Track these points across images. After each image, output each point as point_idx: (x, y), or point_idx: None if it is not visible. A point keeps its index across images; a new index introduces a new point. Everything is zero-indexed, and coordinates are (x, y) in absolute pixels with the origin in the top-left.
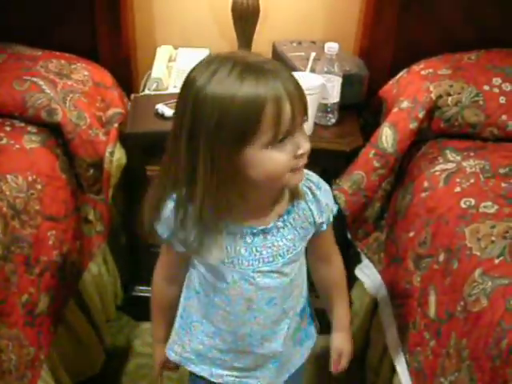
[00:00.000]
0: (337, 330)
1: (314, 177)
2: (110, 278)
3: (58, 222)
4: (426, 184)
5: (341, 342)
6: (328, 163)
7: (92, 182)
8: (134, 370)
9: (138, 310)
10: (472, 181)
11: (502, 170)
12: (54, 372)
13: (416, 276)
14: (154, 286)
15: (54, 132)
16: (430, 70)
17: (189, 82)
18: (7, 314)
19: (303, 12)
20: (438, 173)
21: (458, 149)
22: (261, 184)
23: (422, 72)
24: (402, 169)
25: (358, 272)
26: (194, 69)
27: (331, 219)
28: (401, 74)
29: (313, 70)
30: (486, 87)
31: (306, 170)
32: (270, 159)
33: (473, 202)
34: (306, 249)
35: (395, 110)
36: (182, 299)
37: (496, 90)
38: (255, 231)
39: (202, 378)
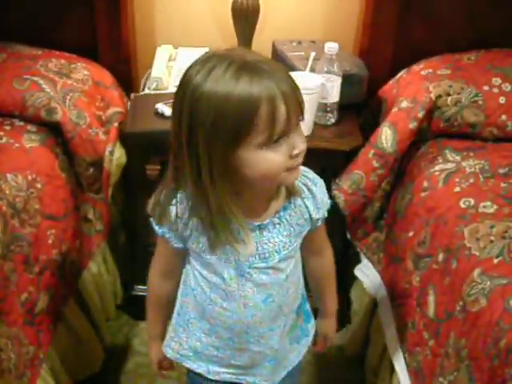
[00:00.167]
0: (324, 316)
1: (310, 173)
2: (109, 277)
3: (58, 221)
4: (425, 184)
5: (327, 327)
6: (327, 163)
7: (92, 181)
8: (134, 368)
9: (138, 309)
10: (471, 181)
11: (501, 170)
12: (54, 371)
13: (415, 276)
14: (150, 282)
15: (53, 131)
16: (430, 70)
17: (186, 80)
18: (7, 312)
19: (303, 12)
20: (437, 173)
21: (457, 149)
22: (257, 183)
23: (422, 72)
24: (402, 169)
25: (357, 272)
26: (191, 66)
27: (326, 214)
28: (400, 73)
29: (313, 70)
30: (486, 87)
31: (301, 167)
32: (265, 160)
33: (472, 201)
34: (300, 244)
35: (395, 109)
36: (179, 296)
37: (496, 90)
38: (251, 227)
39: (199, 375)
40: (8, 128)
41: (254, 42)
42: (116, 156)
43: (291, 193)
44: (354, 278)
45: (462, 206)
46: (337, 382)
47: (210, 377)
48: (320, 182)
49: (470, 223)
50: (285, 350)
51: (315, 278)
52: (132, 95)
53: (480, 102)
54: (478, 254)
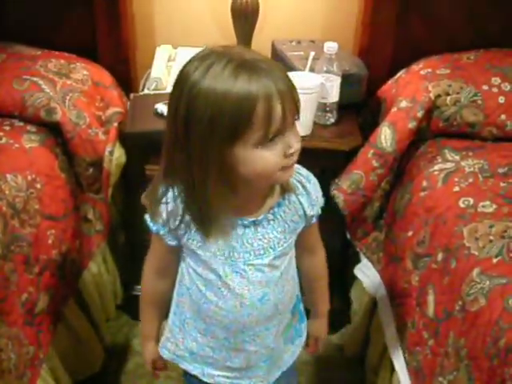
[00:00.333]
0: (316, 317)
1: (303, 170)
2: (109, 277)
3: (58, 222)
4: (424, 183)
5: (318, 328)
6: (327, 162)
7: (91, 181)
8: (134, 368)
9: (138, 309)
10: (471, 180)
11: (500, 170)
12: (54, 371)
13: (414, 275)
14: (145, 280)
15: (53, 131)
16: (429, 70)
17: (183, 76)
18: (7, 312)
19: (302, 11)
20: (436, 172)
21: (456, 148)
22: (252, 181)
23: (421, 72)
24: (401, 168)
25: (357, 271)
26: (188, 62)
27: (320, 212)
28: (400, 73)
29: (312, 70)
30: (485, 87)
31: (295, 165)
32: (260, 158)
33: (471, 201)
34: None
35: (394, 109)
36: (174, 295)
37: (495, 90)
38: (246, 223)
39: (195, 377)
40: (8, 128)
41: (253, 41)
42: (116, 156)
43: (285, 189)
44: (354, 277)
45: (461, 205)
46: (336, 382)
47: (204, 379)
48: (314, 179)
49: (469, 223)
50: (279, 350)
51: (308, 278)
52: (131, 95)
53: (479, 102)
54: (477, 253)
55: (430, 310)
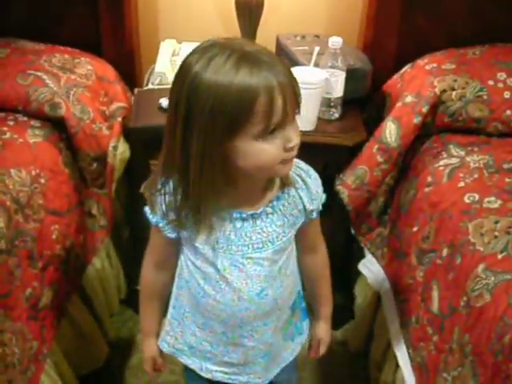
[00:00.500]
0: (319, 319)
1: (304, 165)
2: (113, 271)
3: (62, 217)
4: (429, 179)
5: (321, 331)
6: (331, 158)
7: (95, 176)
8: (138, 363)
9: None
10: (476, 176)
11: (506, 166)
12: (58, 366)
13: (419, 271)
14: (144, 273)
15: (57, 126)
16: (435, 65)
17: (185, 68)
18: (11, 307)
19: (307, 6)
20: (441, 168)
21: (461, 144)
22: (251, 174)
23: (427, 67)
24: (406, 163)
25: (361, 267)
26: (190, 54)
27: (320, 207)
28: (405, 68)
29: (316, 65)
30: (491, 82)
31: (295, 159)
32: (260, 151)
33: (476, 197)
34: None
35: (399, 104)
36: (174, 289)
37: (500, 85)
38: (244, 216)
39: (194, 371)
40: (12, 123)
41: (257, 36)
42: (120, 151)
43: (285, 183)
44: (358, 273)
45: (467, 201)
46: (340, 378)
47: (202, 374)
48: (314, 174)
49: (474, 218)
50: (278, 346)
51: (309, 277)
52: (136, 90)
53: (485, 97)
54: (482, 249)
55: (435, 305)
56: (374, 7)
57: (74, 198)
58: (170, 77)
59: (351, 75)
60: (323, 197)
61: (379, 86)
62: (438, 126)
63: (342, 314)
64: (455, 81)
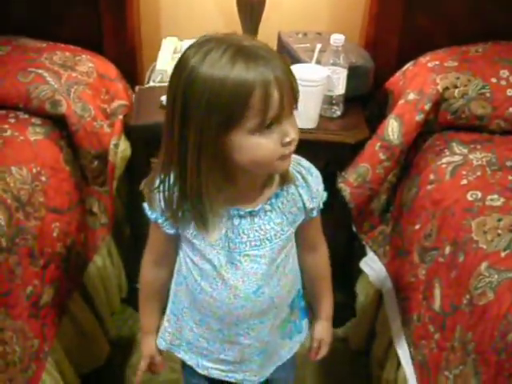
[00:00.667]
0: (319, 320)
1: (305, 162)
2: (114, 270)
3: (62, 214)
4: (432, 176)
5: (322, 332)
6: (333, 155)
7: (96, 173)
8: (139, 362)
9: None
10: (478, 173)
11: (508, 163)
12: (59, 364)
13: (421, 269)
14: (144, 270)
15: (58, 124)
16: (437, 62)
17: (182, 62)
18: (12, 305)
19: (309, 3)
20: (444, 165)
21: (464, 141)
22: (250, 170)
23: (429, 64)
24: (408, 161)
25: (363, 265)
26: (187, 49)
27: (321, 205)
28: (407, 66)
29: (318, 62)
30: (493, 79)
31: (296, 156)
32: (256, 145)
33: (479, 194)
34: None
35: (401, 101)
36: (173, 284)
37: (503, 83)
38: (242, 213)
39: (191, 367)
40: (13, 121)
41: (259, 33)
42: (121, 149)
43: (285, 180)
44: (360, 270)
45: (469, 198)
46: (342, 376)
47: (199, 370)
48: (315, 172)
49: (477, 216)
50: (275, 344)
51: (309, 277)
52: (137, 88)
53: (487, 95)
54: (485, 247)
55: (437, 303)
56: (376, 4)
57: (74, 196)
58: None
59: (353, 73)
60: (324, 195)
61: (381, 83)
62: (440, 123)
63: (344, 312)
64: (458, 78)
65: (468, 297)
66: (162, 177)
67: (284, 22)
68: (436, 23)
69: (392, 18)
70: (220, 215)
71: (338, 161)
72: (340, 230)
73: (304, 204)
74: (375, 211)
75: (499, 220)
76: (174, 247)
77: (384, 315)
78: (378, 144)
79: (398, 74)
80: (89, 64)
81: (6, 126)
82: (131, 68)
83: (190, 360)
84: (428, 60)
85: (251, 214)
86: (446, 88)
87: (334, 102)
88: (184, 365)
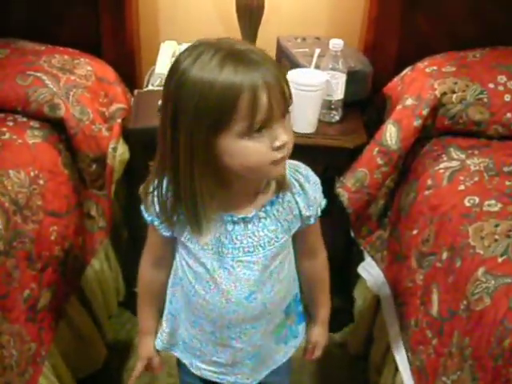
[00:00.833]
0: (315, 324)
1: (304, 169)
2: (112, 273)
3: (60, 218)
4: (429, 182)
5: (317, 335)
6: (331, 160)
7: (95, 177)
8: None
9: None
10: (476, 179)
11: (506, 169)
12: (56, 368)
13: (419, 274)
14: (141, 272)
15: (56, 127)
16: (435, 68)
17: (174, 65)
18: (9, 309)
19: (308, 8)
20: (441, 170)
21: (462, 147)
22: (242, 174)
23: (427, 69)
24: (406, 166)
25: (360, 270)
26: (181, 52)
27: (319, 213)
28: (405, 71)
29: (317, 67)
30: (491, 85)
31: (296, 162)
32: (246, 149)
33: (477, 200)
34: (294, 244)
35: (399, 107)
36: (170, 285)
37: (501, 88)
38: (235, 219)
39: (186, 366)
40: (11, 124)
41: (258, 38)
42: (119, 152)
43: (281, 187)
44: (358, 276)
45: (467, 204)
46: (339, 381)
47: (192, 370)
48: (314, 179)
49: (474, 222)
50: (268, 349)
51: (308, 282)
52: (135, 91)
53: (485, 100)
54: (482, 252)
55: (434, 309)
56: (375, 9)
57: (73, 200)
58: None
59: (352, 77)
60: (323, 203)
61: (380, 88)
62: (438, 128)
63: (342, 316)
64: (455, 83)
65: (465, 302)
66: (157, 181)
67: (283, 27)
68: (435, 28)
69: (391, 23)
70: (214, 220)
71: (336, 166)
72: (338, 234)
73: (300, 212)
74: (373, 216)
75: (496, 225)
76: (171, 249)
77: (382, 320)
78: (376, 149)
79: (396, 79)
80: (87, 67)
81: (5, 129)
82: (130, 71)
83: (185, 359)
84: (426, 65)
85: (245, 220)
86: (444, 93)
87: (332, 106)
88: (179, 363)
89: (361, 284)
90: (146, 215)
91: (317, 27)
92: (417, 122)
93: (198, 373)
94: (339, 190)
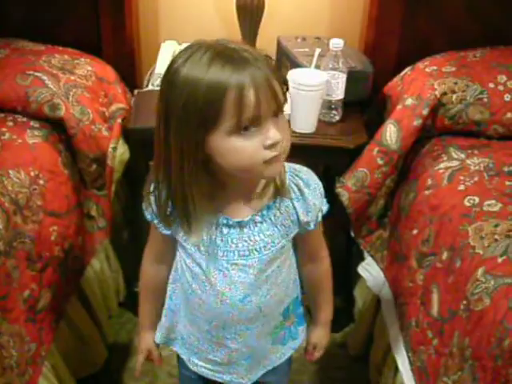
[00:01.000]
0: (316, 325)
1: (305, 173)
2: (112, 274)
3: (60, 218)
4: (429, 182)
5: (318, 337)
6: (332, 160)
7: (95, 177)
8: (136, 366)
9: None
10: (476, 179)
11: (506, 169)
12: (56, 368)
13: (419, 274)
14: (143, 267)
15: (56, 127)
16: (435, 68)
17: (168, 65)
18: (9, 309)
19: (308, 8)
20: (441, 170)
21: (462, 146)
22: (235, 174)
23: (427, 69)
24: (406, 166)
25: (360, 270)
26: (177, 53)
27: (319, 219)
28: (405, 71)
29: (317, 67)
30: (491, 85)
31: (297, 166)
32: (235, 147)
33: (476, 200)
34: (296, 248)
35: (399, 107)
36: (170, 281)
37: (501, 88)
38: (231, 223)
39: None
40: (11, 124)
41: (258, 38)
42: (119, 152)
43: (279, 192)
44: (358, 275)
45: (467, 204)
46: (340, 381)
47: (190, 366)
48: (315, 185)
49: (474, 221)
50: (264, 350)
51: (310, 286)
52: (135, 91)
53: (485, 100)
54: (482, 252)
55: (435, 309)
56: (375, 9)
57: (73, 200)
58: None
59: (352, 77)
60: (324, 208)
61: (380, 88)
62: (438, 128)
63: (342, 316)
64: (456, 83)
65: (465, 302)
66: (154, 181)
67: (283, 27)
68: (435, 28)
69: (391, 23)
70: (209, 222)
71: (336, 165)
72: (338, 234)
73: (298, 217)
74: (373, 216)
75: (496, 225)
76: (172, 246)
77: (382, 320)
78: (376, 149)
79: (396, 79)
80: (87, 67)
81: (5, 129)
82: (130, 71)
83: (183, 355)
84: (426, 65)
85: (240, 224)
86: (444, 93)
87: (332, 106)
88: (179, 357)
89: (361, 284)
90: (146, 213)
91: (317, 27)
92: (417, 122)
93: (194, 369)
94: (339, 190)
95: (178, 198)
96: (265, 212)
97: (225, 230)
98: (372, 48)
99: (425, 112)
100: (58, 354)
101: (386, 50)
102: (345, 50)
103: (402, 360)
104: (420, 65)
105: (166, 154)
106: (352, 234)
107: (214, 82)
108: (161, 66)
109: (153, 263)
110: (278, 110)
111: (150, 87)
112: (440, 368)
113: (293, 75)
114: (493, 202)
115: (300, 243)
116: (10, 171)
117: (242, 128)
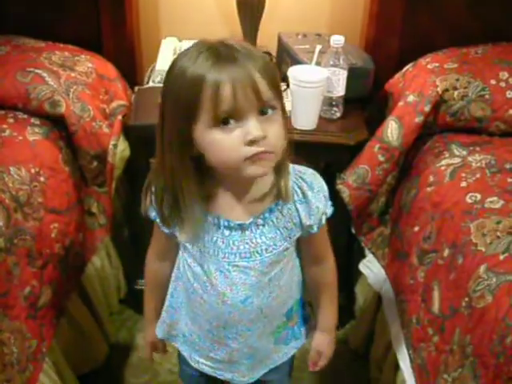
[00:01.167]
0: (321, 331)
1: (309, 175)
2: (112, 271)
3: (61, 215)
4: (431, 178)
5: (322, 344)
6: (332, 157)
7: (95, 174)
8: (137, 362)
9: (141, 303)
10: (478, 176)
11: (508, 165)
12: (57, 365)
13: (420, 271)
14: (147, 263)
15: (57, 124)
16: (437, 64)
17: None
18: (10, 306)
19: (309, 4)
20: (443, 167)
21: (463, 143)
22: (223, 171)
23: (429, 66)
24: (407, 163)
25: (361, 267)
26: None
27: (323, 222)
28: (407, 67)
29: (318, 63)
30: (493, 81)
31: (302, 168)
32: (214, 140)
33: (478, 197)
34: (300, 251)
35: (401, 103)
36: (172, 278)
37: (503, 85)
38: (232, 225)
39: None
40: (11, 121)
41: (259, 34)
42: (120, 149)
43: (281, 196)
44: (359, 273)
45: (468, 201)
46: (341, 378)
47: (191, 363)
48: (318, 187)
49: (476, 218)
50: (266, 350)
51: (312, 288)
52: (136, 88)
53: (487, 97)
54: (484, 249)
55: (436, 306)
56: (376, 5)
57: (73, 197)
58: None
59: (353, 74)
60: (328, 212)
61: (381, 84)
62: (439, 125)
63: (343, 313)
64: (457, 80)
65: (467, 299)
66: (155, 180)
67: (284, 23)
68: (437, 24)
69: (392, 19)
70: (210, 223)
71: (337, 162)
72: (339, 231)
73: (301, 220)
74: (374, 213)
75: (498, 222)
76: (174, 244)
77: (383, 317)
78: (377, 146)
79: (397, 75)
80: (88, 64)
81: (5, 126)
82: (130, 68)
83: (184, 352)
84: (428, 62)
85: (241, 226)
86: (446, 90)
87: (333, 103)
88: (180, 354)
89: (362, 281)
90: (148, 211)
91: (318, 23)
92: (418, 119)
93: (195, 366)
94: (340, 187)
95: (169, 193)
96: (267, 214)
97: (226, 232)
98: (373, 45)
99: (426, 109)
100: (59, 350)
101: (387, 46)
102: (345, 47)
103: (403, 357)
104: (422, 61)
105: (160, 148)
106: (353, 231)
107: (194, 74)
108: (161, 63)
109: (156, 260)
110: (264, 108)
111: (151, 84)
112: (440, 365)
113: (293, 72)
114: (495, 198)
115: (304, 245)
116: (11, 168)
117: (220, 120)
